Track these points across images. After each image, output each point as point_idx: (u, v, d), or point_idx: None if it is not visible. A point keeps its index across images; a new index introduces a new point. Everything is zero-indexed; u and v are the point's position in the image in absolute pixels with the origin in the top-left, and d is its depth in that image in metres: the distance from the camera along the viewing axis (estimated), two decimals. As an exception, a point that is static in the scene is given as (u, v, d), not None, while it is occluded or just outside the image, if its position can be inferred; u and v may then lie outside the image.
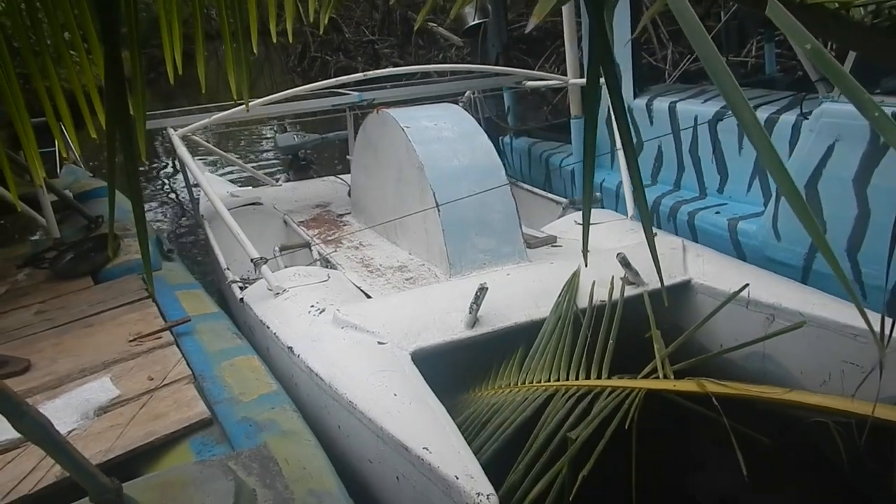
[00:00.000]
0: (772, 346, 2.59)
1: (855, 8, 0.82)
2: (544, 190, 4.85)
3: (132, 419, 2.19)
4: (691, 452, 2.74)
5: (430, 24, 12.66)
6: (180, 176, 7.14)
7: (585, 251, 1.20)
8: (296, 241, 4.16)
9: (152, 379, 2.43)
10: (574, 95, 4.66)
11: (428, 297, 2.80)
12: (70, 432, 2.12)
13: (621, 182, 3.96)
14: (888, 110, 2.33)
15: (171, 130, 3.99)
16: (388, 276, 3.32)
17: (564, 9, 4.42)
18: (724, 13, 6.00)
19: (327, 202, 4.89)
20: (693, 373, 2.29)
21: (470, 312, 2.56)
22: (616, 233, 3.45)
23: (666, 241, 3.20)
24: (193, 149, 5.85)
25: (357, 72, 4.58)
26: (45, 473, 1.91)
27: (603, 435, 2.04)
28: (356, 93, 4.67)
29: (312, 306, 2.81)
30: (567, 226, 3.79)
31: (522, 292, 2.81)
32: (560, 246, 3.53)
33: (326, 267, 3.54)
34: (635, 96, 4.34)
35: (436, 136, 3.46)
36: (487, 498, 1.70)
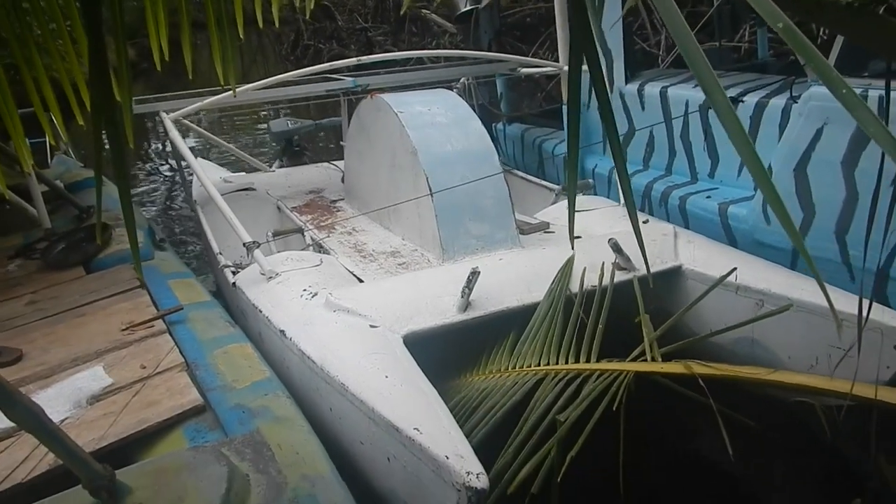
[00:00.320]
0: (760, 331, 2.61)
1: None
2: (537, 176, 4.86)
3: (125, 407, 2.20)
4: (679, 434, 2.77)
5: (423, 10, 12.61)
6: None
7: (572, 236, 1.21)
8: (289, 226, 4.16)
9: (145, 367, 2.44)
10: (567, 82, 4.66)
11: (420, 281, 2.81)
12: (63, 421, 2.13)
13: (613, 168, 3.97)
14: (874, 93, 2.34)
15: (163, 115, 3.99)
16: (380, 262, 3.33)
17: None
18: (717, -2, 5.99)
19: (321, 188, 4.89)
20: (682, 356, 2.32)
21: (462, 297, 2.57)
22: (608, 219, 3.47)
23: (657, 228, 3.22)
24: (187, 134, 5.86)
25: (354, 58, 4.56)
26: (38, 462, 1.93)
27: (592, 417, 2.07)
28: (350, 78, 4.66)
29: (305, 290, 2.82)
30: (560, 212, 3.80)
31: (515, 277, 2.82)
32: (553, 232, 3.55)
33: (319, 252, 3.54)
34: (627, 81, 4.34)
35: (429, 122, 3.46)
36: (477, 477, 1.72)
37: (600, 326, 2.51)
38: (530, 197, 4.48)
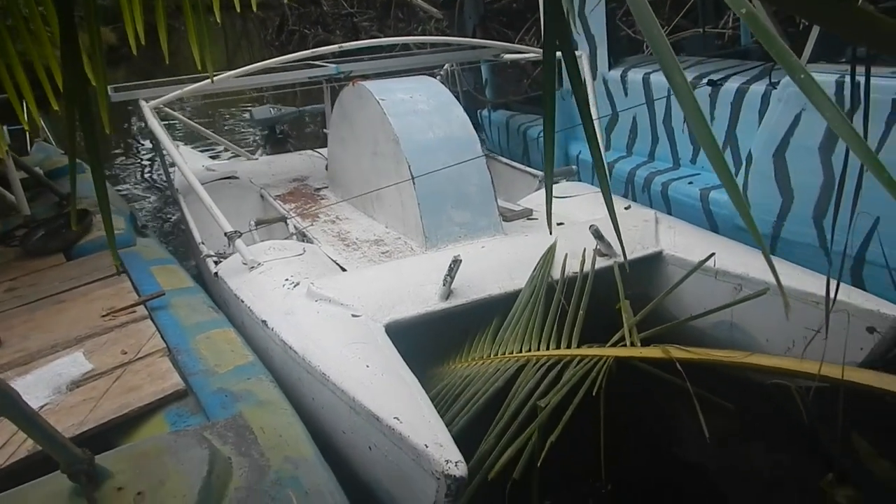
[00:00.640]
0: (739, 316, 2.64)
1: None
2: (522, 163, 4.86)
3: (105, 392, 2.19)
4: (659, 417, 2.81)
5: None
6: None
7: (550, 222, 1.21)
8: (272, 215, 4.15)
9: (126, 353, 2.43)
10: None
11: (403, 269, 2.81)
12: (42, 407, 2.13)
13: (597, 154, 3.98)
14: (859, 80, 2.33)
15: (142, 102, 3.93)
16: (364, 250, 3.32)
17: (540, -21, 4.41)
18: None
19: (304, 176, 4.87)
20: (662, 341, 2.34)
21: (444, 285, 2.58)
22: (591, 205, 3.48)
23: (639, 214, 3.24)
24: (169, 122, 5.81)
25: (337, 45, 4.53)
26: (16, 448, 1.92)
27: (574, 402, 2.09)
28: (333, 65, 4.63)
29: (287, 280, 2.82)
30: (543, 199, 3.81)
31: (497, 265, 2.83)
32: (536, 219, 3.56)
33: (303, 241, 3.53)
34: (610, 67, 4.35)
35: (411, 109, 3.45)
36: (456, 465, 1.74)
37: (581, 312, 2.53)
38: (515, 183, 4.48)
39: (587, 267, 2.78)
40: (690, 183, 3.76)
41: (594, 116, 3.92)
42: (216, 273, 3.20)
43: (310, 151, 5.48)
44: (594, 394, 2.10)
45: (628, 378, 2.32)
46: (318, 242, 3.47)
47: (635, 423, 2.71)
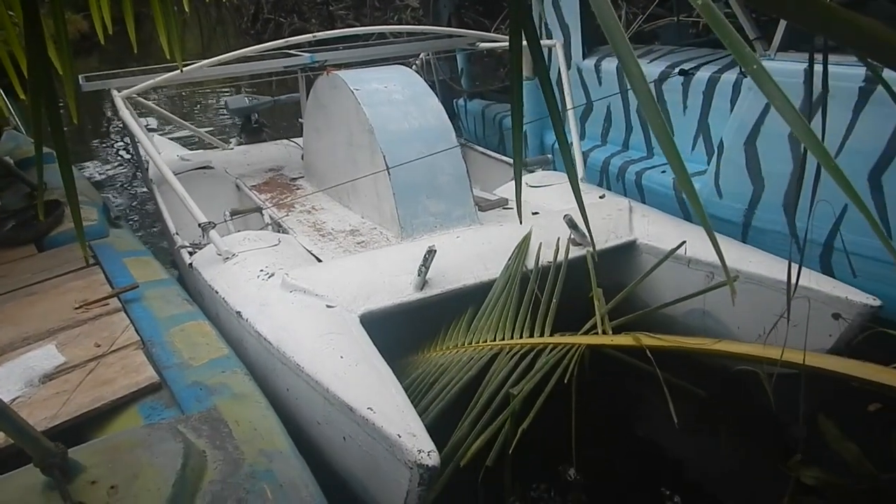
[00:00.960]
0: (711, 303, 2.68)
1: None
2: (498, 152, 4.87)
3: (78, 386, 2.17)
4: (632, 405, 2.85)
5: (385, -16, 12.45)
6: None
7: (520, 212, 1.22)
8: (248, 205, 4.12)
9: (99, 346, 2.41)
10: (526, 57, 4.66)
11: (378, 260, 2.81)
12: (14, 400, 2.10)
13: (571, 143, 4.00)
14: (819, 67, 2.37)
15: (114, 92, 3.88)
16: (339, 240, 3.32)
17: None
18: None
19: (280, 166, 4.84)
20: (635, 329, 2.37)
21: (419, 275, 2.59)
22: (566, 194, 3.49)
23: (613, 203, 3.26)
24: (142, 112, 5.73)
25: (312, 34, 4.50)
26: (-12, 441, 1.90)
27: (545, 390, 2.11)
28: (308, 54, 4.60)
29: (262, 270, 2.81)
30: (518, 188, 3.82)
31: (472, 255, 2.84)
32: (511, 209, 3.57)
33: (278, 231, 3.52)
34: (584, 57, 4.37)
35: (386, 99, 3.44)
36: (429, 455, 1.75)
37: (554, 301, 2.55)
38: (491, 173, 4.49)
39: (561, 256, 2.81)
40: (664, 172, 3.80)
41: (569, 106, 3.93)
42: (191, 264, 3.18)
43: (285, 141, 5.45)
44: (566, 381, 2.12)
45: (602, 366, 2.35)
46: (294, 233, 3.46)
47: (608, 410, 2.74)
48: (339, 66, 4.22)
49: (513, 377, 2.22)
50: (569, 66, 4.37)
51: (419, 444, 1.77)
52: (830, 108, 2.85)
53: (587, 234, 2.86)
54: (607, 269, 2.87)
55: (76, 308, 2.71)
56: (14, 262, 3.29)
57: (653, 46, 4.46)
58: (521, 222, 1.62)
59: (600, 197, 3.38)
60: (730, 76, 3.45)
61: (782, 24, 3.05)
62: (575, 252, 2.85)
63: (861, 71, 2.77)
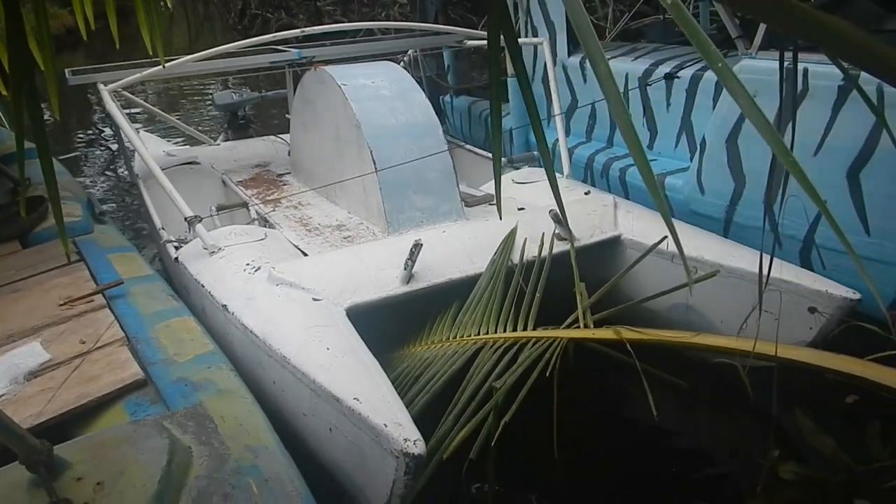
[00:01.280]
0: (694, 297, 2.72)
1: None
2: (484, 149, 4.89)
3: (64, 382, 2.17)
4: (614, 397, 2.88)
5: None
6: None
7: (499, 206, 1.24)
8: (234, 200, 4.11)
9: (84, 342, 2.41)
10: (511, 54, 4.67)
11: (364, 254, 2.83)
12: (-1, 397, 2.11)
13: (557, 140, 4.02)
14: (801, 66, 2.39)
15: (100, 86, 3.87)
16: (326, 235, 3.33)
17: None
18: (661, -29, 6.05)
19: (267, 161, 4.84)
20: (618, 323, 2.40)
21: (405, 269, 2.60)
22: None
23: (598, 199, 3.29)
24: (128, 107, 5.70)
25: (299, 29, 4.49)
26: (-27, 438, 1.90)
27: (528, 383, 2.13)
28: (295, 50, 4.59)
29: (248, 264, 2.81)
30: (505, 184, 3.84)
31: (458, 249, 2.86)
32: (497, 204, 3.58)
33: (265, 226, 3.52)
34: (569, 54, 4.39)
35: (373, 94, 3.45)
36: (415, 443, 1.77)
37: (538, 295, 2.57)
38: (477, 169, 4.51)
39: (545, 251, 2.83)
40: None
41: (555, 102, 3.96)
42: (177, 258, 3.18)
43: (272, 137, 5.44)
44: (548, 374, 2.15)
45: (585, 359, 2.37)
46: (280, 228, 3.47)
47: (591, 402, 2.77)
48: (327, 63, 4.22)
49: (496, 370, 2.24)
50: (554, 64, 4.39)
51: (405, 434, 1.79)
52: (810, 106, 2.90)
53: (581, 228, 2.90)
54: (593, 263, 2.90)
55: (61, 305, 2.70)
56: (-2, 259, 3.28)
57: (638, 44, 4.49)
58: (500, 217, 1.64)
59: (585, 193, 3.41)
60: (712, 75, 3.48)
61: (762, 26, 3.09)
62: (560, 247, 2.88)
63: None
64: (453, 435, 2.04)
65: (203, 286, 2.83)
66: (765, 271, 2.35)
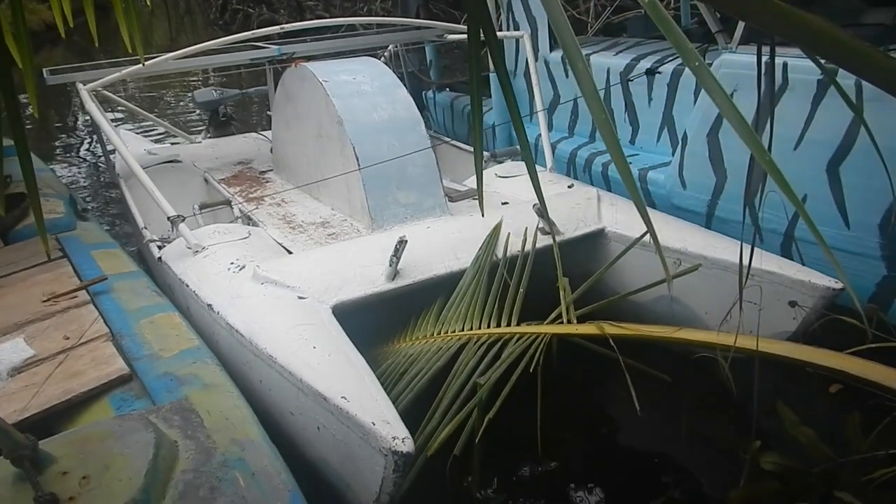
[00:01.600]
0: (679, 289, 2.74)
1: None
2: (467, 144, 4.90)
3: (48, 378, 2.17)
4: (599, 392, 2.90)
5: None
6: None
7: (481, 202, 1.25)
8: (217, 199, 4.10)
9: (68, 338, 2.40)
10: (490, 48, 4.68)
11: (349, 251, 2.83)
12: (-18, 394, 2.10)
13: (540, 135, 4.04)
14: (783, 60, 2.42)
15: (79, 85, 3.83)
16: (310, 232, 3.33)
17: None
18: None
19: (249, 159, 4.82)
20: (602, 317, 2.41)
21: (390, 265, 2.61)
22: (535, 184, 3.53)
23: (582, 192, 3.31)
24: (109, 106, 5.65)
25: (279, 25, 4.46)
26: (-43, 435, 1.89)
27: (511, 380, 2.15)
28: (276, 46, 4.57)
29: (232, 263, 2.81)
30: (488, 179, 3.85)
31: (443, 245, 2.87)
32: (482, 199, 3.59)
33: (248, 224, 3.51)
34: (551, 49, 4.41)
35: (355, 90, 3.44)
36: (403, 441, 1.78)
37: (521, 291, 2.59)
38: (460, 164, 4.52)
39: (529, 246, 2.85)
40: (630, 163, 3.85)
41: (537, 97, 3.97)
42: (160, 258, 3.17)
43: (254, 134, 5.42)
44: (531, 370, 2.16)
45: (570, 354, 2.39)
46: (264, 225, 3.46)
47: (575, 397, 2.80)
48: (308, 59, 4.20)
49: (480, 367, 2.25)
50: (536, 59, 4.41)
51: (394, 431, 1.80)
52: (790, 100, 2.94)
53: (558, 223, 2.92)
54: (577, 257, 2.92)
55: (44, 301, 2.69)
56: (-21, 257, 3.25)
57: (620, 39, 4.52)
58: (483, 215, 1.65)
59: (569, 186, 3.43)
60: (693, 69, 3.52)
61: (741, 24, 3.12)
62: (543, 241, 2.89)
63: (819, 64, 2.84)
64: (438, 432, 2.05)
65: (187, 286, 2.82)
66: (746, 262, 2.39)
